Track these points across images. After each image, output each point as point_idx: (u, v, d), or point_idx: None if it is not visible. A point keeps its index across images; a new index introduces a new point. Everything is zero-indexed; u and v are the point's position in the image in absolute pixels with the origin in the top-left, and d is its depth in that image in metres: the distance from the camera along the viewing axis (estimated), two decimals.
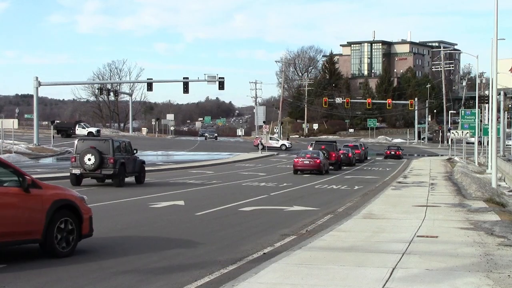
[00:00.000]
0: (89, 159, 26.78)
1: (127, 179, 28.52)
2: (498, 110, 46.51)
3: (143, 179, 29.87)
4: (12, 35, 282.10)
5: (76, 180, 27.49)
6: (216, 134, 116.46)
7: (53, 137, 66.19)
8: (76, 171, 27.23)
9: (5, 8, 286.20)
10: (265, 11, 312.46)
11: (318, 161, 40.30)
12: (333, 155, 46.36)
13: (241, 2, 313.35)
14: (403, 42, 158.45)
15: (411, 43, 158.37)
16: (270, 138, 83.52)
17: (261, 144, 70.71)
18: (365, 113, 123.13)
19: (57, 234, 10.96)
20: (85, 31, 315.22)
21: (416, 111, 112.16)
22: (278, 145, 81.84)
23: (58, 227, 10.97)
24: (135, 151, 29.74)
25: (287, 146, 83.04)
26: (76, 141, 28.90)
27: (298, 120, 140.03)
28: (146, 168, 31.41)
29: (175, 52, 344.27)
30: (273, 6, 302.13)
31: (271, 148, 77.46)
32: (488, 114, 53.94)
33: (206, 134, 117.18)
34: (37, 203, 10.66)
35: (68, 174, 28.19)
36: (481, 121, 56.24)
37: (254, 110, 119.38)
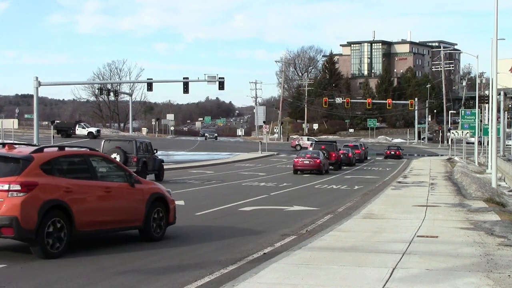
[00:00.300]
0: (115, 158, 27.98)
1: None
2: (498, 110, 46.52)
3: (162, 176, 32.07)
4: (12, 35, 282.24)
5: None
6: (216, 134, 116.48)
7: (53, 137, 66.17)
8: None
9: (5, 8, 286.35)
10: (265, 11, 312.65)
11: (318, 161, 40.30)
12: (333, 155, 46.37)
13: (241, 2, 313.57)
14: (403, 42, 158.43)
15: (411, 43, 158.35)
16: (308, 139, 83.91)
17: (300, 145, 71.67)
18: (365, 113, 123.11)
19: (152, 223, 13.13)
20: (85, 31, 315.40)
21: (416, 111, 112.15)
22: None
23: (153, 216, 13.16)
24: (155, 151, 32.21)
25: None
26: (102, 142, 30.89)
27: (298, 120, 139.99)
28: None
29: (175, 52, 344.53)
30: (273, 6, 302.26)
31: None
32: (488, 114, 53.95)
33: (206, 134, 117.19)
34: (140, 196, 12.97)
35: None
36: (481, 121, 56.23)
37: (254, 110, 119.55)
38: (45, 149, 11.86)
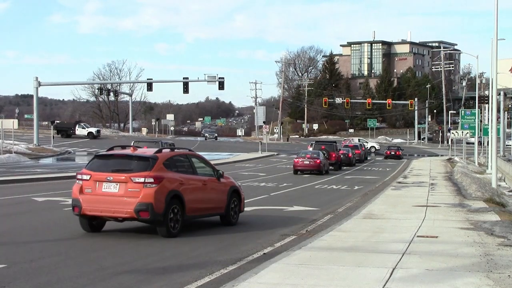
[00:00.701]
0: None
1: None
2: (498, 110, 46.52)
3: None
4: (13, 35, 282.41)
5: None
6: (216, 134, 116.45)
7: (53, 137, 66.23)
8: None
9: (6, 8, 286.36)
10: (265, 11, 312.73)
11: (318, 161, 40.30)
12: (333, 155, 46.36)
13: (242, 2, 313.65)
14: (403, 42, 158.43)
15: (411, 43, 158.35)
16: (359, 140, 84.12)
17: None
18: (365, 113, 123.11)
19: (231, 211, 15.95)
20: (86, 31, 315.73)
21: (416, 111, 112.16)
22: (368, 147, 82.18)
23: (231, 205, 15.92)
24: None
25: (376, 148, 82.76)
26: (132, 143, 32.88)
27: (298, 120, 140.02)
28: None
29: (176, 52, 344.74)
30: (274, 6, 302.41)
31: None
32: (488, 114, 53.96)
33: (206, 134, 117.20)
34: (223, 188, 15.77)
35: (66, 175, 29.17)
36: (481, 121, 56.26)
37: (254, 110, 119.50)
38: (163, 150, 14.50)
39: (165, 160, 13.98)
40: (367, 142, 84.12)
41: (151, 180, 13.28)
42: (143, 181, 13.25)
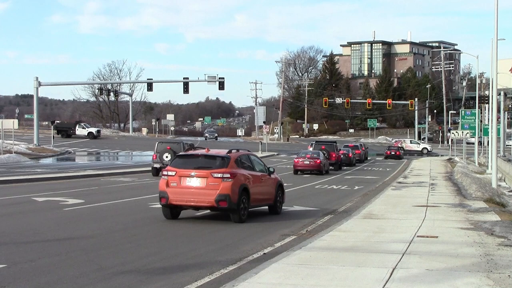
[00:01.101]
0: (167, 157, 34.62)
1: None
2: (498, 110, 46.50)
3: None
4: (13, 36, 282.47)
5: (156, 171, 34.72)
6: (216, 134, 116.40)
7: (53, 138, 66.22)
8: (157, 165, 34.94)
9: (6, 8, 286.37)
10: (265, 11, 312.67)
11: (318, 161, 40.29)
12: (333, 155, 46.35)
13: (242, 2, 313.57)
14: (403, 42, 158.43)
15: (411, 43, 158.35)
16: (411, 142, 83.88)
17: (402, 148, 72.60)
18: (365, 113, 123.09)
19: (277, 202, 18.69)
20: (86, 31, 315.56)
21: (416, 111, 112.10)
22: (420, 149, 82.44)
23: (278, 197, 18.67)
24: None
25: (429, 149, 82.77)
26: (156, 144, 36.81)
27: (298, 120, 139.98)
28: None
29: (176, 52, 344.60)
30: (274, 6, 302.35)
31: (411, 152, 79.18)
32: (488, 114, 53.96)
33: (206, 135, 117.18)
34: (273, 182, 18.57)
35: (66, 175, 28.74)
36: (481, 121, 56.25)
37: (254, 110, 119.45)
38: (232, 151, 17.21)
39: (235, 159, 16.88)
40: (419, 144, 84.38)
41: (228, 175, 16.12)
42: (221, 176, 16.04)
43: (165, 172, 16.70)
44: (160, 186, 16.61)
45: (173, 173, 16.38)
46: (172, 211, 16.74)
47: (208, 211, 18.12)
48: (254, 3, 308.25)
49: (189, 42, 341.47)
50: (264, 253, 11.92)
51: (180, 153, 18.99)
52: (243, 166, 17.10)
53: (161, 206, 16.80)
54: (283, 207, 19.65)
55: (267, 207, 18.68)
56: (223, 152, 17.21)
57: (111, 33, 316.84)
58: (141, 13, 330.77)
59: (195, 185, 16.13)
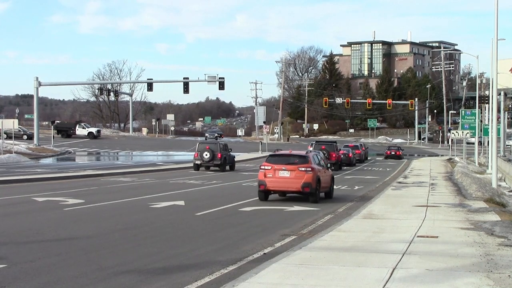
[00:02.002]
0: (206, 155, 40.48)
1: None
2: (498, 110, 46.47)
3: (233, 167, 43.43)
4: (13, 36, 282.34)
5: (197, 167, 40.91)
6: (217, 134, 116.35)
7: (53, 137, 66.24)
8: (198, 162, 40.92)
9: (7, 8, 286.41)
10: (266, 12, 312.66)
11: None
12: (333, 155, 46.32)
13: (242, 3, 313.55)
14: (403, 42, 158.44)
15: (411, 43, 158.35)
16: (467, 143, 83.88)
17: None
18: (365, 113, 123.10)
19: (331, 189, 24.68)
20: (86, 32, 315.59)
21: (416, 111, 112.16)
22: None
23: (331, 186, 24.60)
24: (230, 150, 43.54)
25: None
26: (197, 144, 42.81)
27: (298, 120, 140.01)
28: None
29: (176, 52, 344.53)
30: (274, 6, 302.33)
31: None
32: (488, 114, 53.95)
33: (206, 134, 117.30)
34: (329, 175, 24.64)
35: (66, 175, 28.85)
36: (481, 121, 56.22)
37: (254, 110, 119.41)
38: (308, 152, 23.78)
39: (311, 157, 22.94)
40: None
41: (310, 169, 21.96)
42: (305, 170, 21.89)
43: (262, 167, 22.38)
44: (259, 177, 22.47)
45: (269, 168, 22.15)
46: (266, 194, 22.50)
47: (210, 210, 18.37)
48: (255, 3, 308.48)
49: (189, 42, 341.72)
50: (264, 253, 11.92)
51: (272, 153, 25.03)
52: (315, 162, 22.85)
53: (258, 191, 22.58)
54: (284, 207, 19.70)
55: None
56: (303, 152, 23.87)
57: (111, 33, 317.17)
58: (141, 13, 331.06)
59: (285, 176, 21.91)
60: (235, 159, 45.24)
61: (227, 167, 42.47)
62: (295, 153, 23.54)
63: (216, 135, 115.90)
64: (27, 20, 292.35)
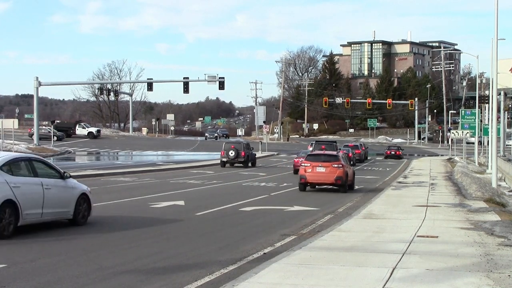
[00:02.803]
0: (232, 153, 45.57)
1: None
2: (498, 110, 46.48)
3: (255, 164, 48.52)
4: (14, 36, 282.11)
5: (223, 164, 45.75)
6: (216, 134, 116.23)
7: (53, 137, 66.21)
8: (224, 159, 45.89)
9: (8, 8, 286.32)
10: (266, 12, 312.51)
11: None
12: None
13: (243, 2, 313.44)
14: (403, 42, 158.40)
15: (411, 43, 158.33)
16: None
17: None
18: (365, 113, 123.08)
19: (351, 181, 28.71)
20: (87, 31, 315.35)
21: (416, 111, 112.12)
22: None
23: (349, 178, 28.09)
24: (252, 148, 49.11)
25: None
26: (224, 143, 47.82)
27: (298, 120, 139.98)
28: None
29: (176, 52, 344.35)
30: (274, 6, 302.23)
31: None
32: (488, 114, 53.94)
33: (206, 134, 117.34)
34: (352, 171, 29.43)
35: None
36: (481, 121, 56.20)
37: (254, 110, 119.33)
38: (339, 151, 32.08)
39: (341, 156, 28.58)
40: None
41: (341, 165, 27.14)
42: (337, 166, 27.01)
43: (303, 164, 27.59)
44: (300, 172, 27.60)
45: (308, 164, 27.29)
46: (305, 186, 27.43)
47: (210, 210, 18.40)
48: (255, 3, 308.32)
49: (189, 42, 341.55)
50: (264, 253, 11.92)
51: (310, 153, 30.95)
52: (343, 160, 28.07)
53: (299, 183, 27.49)
54: (284, 207, 19.73)
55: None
56: (334, 152, 30.73)
57: (112, 33, 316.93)
58: (142, 13, 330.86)
59: (322, 171, 26.99)
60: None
61: (249, 164, 47.21)
62: (328, 153, 29.73)
63: (218, 134, 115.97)
64: (28, 20, 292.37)
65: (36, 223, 14.11)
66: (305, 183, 27.21)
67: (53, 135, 78.43)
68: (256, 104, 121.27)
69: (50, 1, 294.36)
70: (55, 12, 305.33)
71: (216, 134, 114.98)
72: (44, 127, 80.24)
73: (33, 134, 67.48)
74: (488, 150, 45.96)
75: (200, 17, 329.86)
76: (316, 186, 28.04)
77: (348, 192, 27.00)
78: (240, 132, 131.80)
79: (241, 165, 45.93)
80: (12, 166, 13.43)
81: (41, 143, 65.18)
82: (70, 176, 15.56)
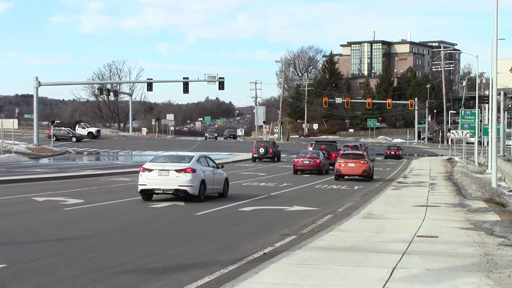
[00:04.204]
0: (262, 150, 54.19)
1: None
2: (498, 110, 46.46)
3: (279, 159, 56.41)
4: (15, 36, 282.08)
5: (254, 159, 54.51)
6: (216, 134, 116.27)
7: (53, 137, 66.26)
8: (255, 155, 54.57)
9: (9, 8, 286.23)
10: (267, 12, 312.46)
11: (318, 161, 40.28)
12: (333, 155, 46.30)
13: (243, 2, 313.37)
14: (403, 42, 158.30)
15: (411, 43, 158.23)
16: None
17: None
18: (365, 113, 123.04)
19: (372, 175, 36.70)
20: (88, 32, 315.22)
21: (416, 111, 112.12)
22: None
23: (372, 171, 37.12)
24: (278, 146, 58.83)
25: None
26: (255, 142, 59.25)
27: (298, 120, 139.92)
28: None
29: (177, 52, 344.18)
30: (275, 6, 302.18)
31: None
32: (488, 114, 53.94)
33: (206, 134, 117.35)
34: (372, 165, 37.81)
35: (65, 174, 28.66)
36: (481, 121, 56.22)
37: (254, 110, 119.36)
38: (364, 150, 42.53)
39: (366, 154, 36.51)
40: None
41: (366, 161, 34.89)
42: (363, 162, 34.75)
43: (337, 161, 35.54)
44: (336, 167, 35.29)
45: (342, 161, 34.96)
46: (339, 177, 34.79)
47: (210, 210, 18.50)
48: (255, 3, 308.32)
49: (190, 42, 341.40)
50: (264, 253, 11.91)
51: (343, 153, 37.93)
52: (368, 158, 36.08)
53: (334, 176, 35.42)
54: (283, 207, 19.77)
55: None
56: (360, 152, 39.16)
57: (113, 33, 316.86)
58: (143, 13, 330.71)
59: (352, 166, 34.66)
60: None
61: (276, 159, 55.28)
62: (357, 152, 38.70)
63: (225, 134, 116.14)
64: (29, 20, 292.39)
65: (208, 195, 22.01)
66: (340, 174, 35.01)
67: (72, 136, 78.97)
68: (256, 104, 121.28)
69: (51, 1, 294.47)
70: (56, 12, 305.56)
71: (216, 134, 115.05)
72: (63, 128, 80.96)
73: (51, 136, 68.07)
74: (488, 150, 45.96)
75: (201, 17, 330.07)
76: (345, 177, 35.06)
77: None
78: (240, 132, 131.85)
79: (269, 160, 54.61)
80: (200, 160, 22.03)
81: (60, 144, 65.35)
82: (223, 167, 24.67)
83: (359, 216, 17.63)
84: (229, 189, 24.38)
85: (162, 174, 20.75)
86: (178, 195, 20.92)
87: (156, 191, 21.04)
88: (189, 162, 21.20)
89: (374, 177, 37.01)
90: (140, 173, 21.20)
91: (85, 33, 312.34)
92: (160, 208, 19.50)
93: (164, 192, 21.04)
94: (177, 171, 20.58)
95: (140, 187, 21.06)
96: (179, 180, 20.52)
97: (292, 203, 21.95)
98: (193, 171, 20.78)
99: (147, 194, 21.24)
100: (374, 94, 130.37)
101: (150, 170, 20.91)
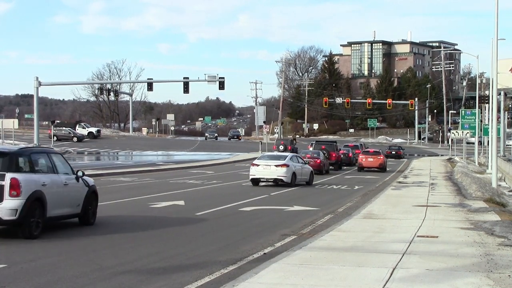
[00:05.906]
0: (281, 147, 58.58)
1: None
2: (498, 110, 46.47)
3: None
4: (15, 36, 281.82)
5: None
6: (216, 134, 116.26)
7: (53, 137, 66.25)
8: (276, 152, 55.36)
9: (10, 9, 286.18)
10: (268, 12, 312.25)
11: (318, 161, 40.27)
12: (333, 155, 46.33)
13: (245, 3, 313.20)
14: (404, 42, 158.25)
15: (412, 43, 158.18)
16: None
17: None
18: (365, 113, 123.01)
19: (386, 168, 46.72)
20: (89, 32, 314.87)
21: (416, 111, 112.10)
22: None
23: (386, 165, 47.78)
24: (296, 143, 65.27)
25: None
26: (275, 140, 63.28)
27: (298, 120, 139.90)
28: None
29: (178, 52, 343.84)
30: (276, 6, 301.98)
31: None
32: (488, 114, 53.94)
33: (206, 134, 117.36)
34: (385, 159, 48.50)
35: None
36: (481, 121, 56.19)
37: (254, 110, 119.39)
38: (380, 151, 49.67)
39: (381, 151, 48.18)
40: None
41: (382, 157, 45.87)
42: (380, 158, 45.28)
43: (359, 157, 45.58)
44: (359, 161, 45.41)
45: (363, 157, 44.95)
46: (361, 169, 43.64)
47: (210, 210, 18.27)
48: (257, 3, 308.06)
49: (191, 42, 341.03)
50: (264, 253, 11.91)
51: (364, 151, 48.16)
52: (383, 154, 44.66)
53: (356, 168, 44.91)
54: (283, 207, 19.75)
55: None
56: (378, 149, 49.03)
57: (114, 33, 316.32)
58: (144, 13, 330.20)
59: (371, 160, 44.11)
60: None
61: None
62: (374, 150, 48.76)
63: (230, 135, 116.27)
64: (30, 20, 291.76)
65: (298, 183, 30.25)
66: (361, 167, 44.59)
67: (74, 136, 79.06)
68: (256, 104, 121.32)
69: (52, 2, 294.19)
70: (57, 12, 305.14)
71: (216, 134, 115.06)
72: (64, 128, 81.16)
73: (52, 136, 68.04)
74: (488, 150, 45.94)
75: (202, 17, 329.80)
76: (365, 169, 44.28)
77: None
78: (240, 132, 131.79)
79: None
80: (292, 158, 30.63)
81: (60, 144, 65.31)
82: (307, 163, 34.09)
83: (359, 216, 17.63)
84: (229, 189, 24.35)
85: (266, 168, 29.08)
86: (277, 182, 29.05)
87: (261, 179, 29.52)
88: (284, 160, 29.50)
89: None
90: (251, 167, 29.84)
91: (86, 33, 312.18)
92: (160, 208, 19.50)
93: (267, 180, 29.39)
94: (276, 166, 28.91)
95: (251, 176, 29.46)
96: (277, 172, 28.84)
97: (292, 203, 21.95)
98: (287, 166, 29.02)
99: (255, 181, 29.60)
100: (374, 94, 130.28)
101: (258, 165, 29.40)
